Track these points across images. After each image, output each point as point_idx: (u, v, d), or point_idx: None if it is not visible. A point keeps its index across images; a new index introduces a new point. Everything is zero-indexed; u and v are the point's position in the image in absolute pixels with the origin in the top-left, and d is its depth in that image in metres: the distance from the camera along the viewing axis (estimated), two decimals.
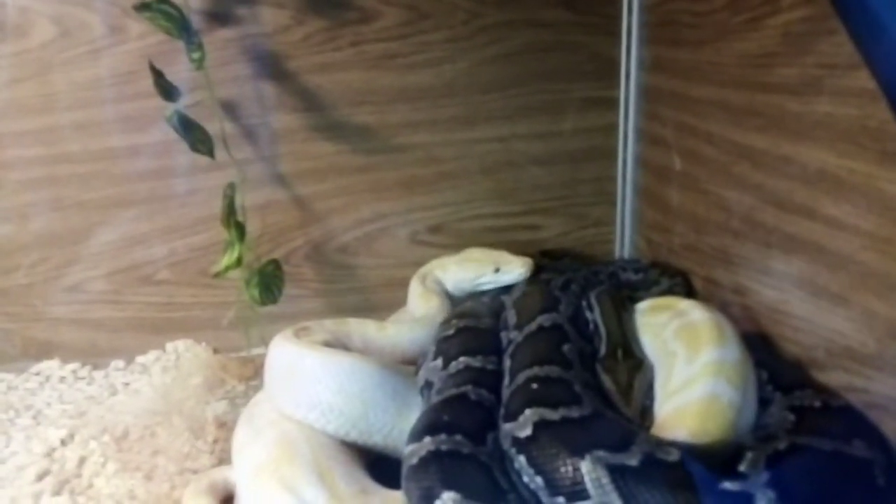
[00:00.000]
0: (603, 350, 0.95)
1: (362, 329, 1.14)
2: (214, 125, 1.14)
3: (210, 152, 1.12)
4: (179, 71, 1.12)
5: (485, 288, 1.19)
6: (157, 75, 1.08)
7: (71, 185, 1.22)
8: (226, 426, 1.08)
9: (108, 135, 1.21)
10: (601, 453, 0.69)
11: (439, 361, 0.96)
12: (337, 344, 1.08)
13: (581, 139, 1.38)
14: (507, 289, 1.18)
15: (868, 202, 0.79)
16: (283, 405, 0.95)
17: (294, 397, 0.94)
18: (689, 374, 0.84)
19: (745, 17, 0.99)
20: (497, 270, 1.19)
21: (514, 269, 1.18)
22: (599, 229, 1.42)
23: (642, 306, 1.00)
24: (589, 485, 0.68)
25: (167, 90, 1.09)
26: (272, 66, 1.22)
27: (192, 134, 1.10)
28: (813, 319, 0.89)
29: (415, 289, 1.21)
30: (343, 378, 0.93)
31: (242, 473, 0.91)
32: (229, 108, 1.22)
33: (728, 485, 0.66)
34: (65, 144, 1.20)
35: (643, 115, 1.33)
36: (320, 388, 0.92)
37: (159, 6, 1.02)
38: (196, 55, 1.05)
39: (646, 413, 0.86)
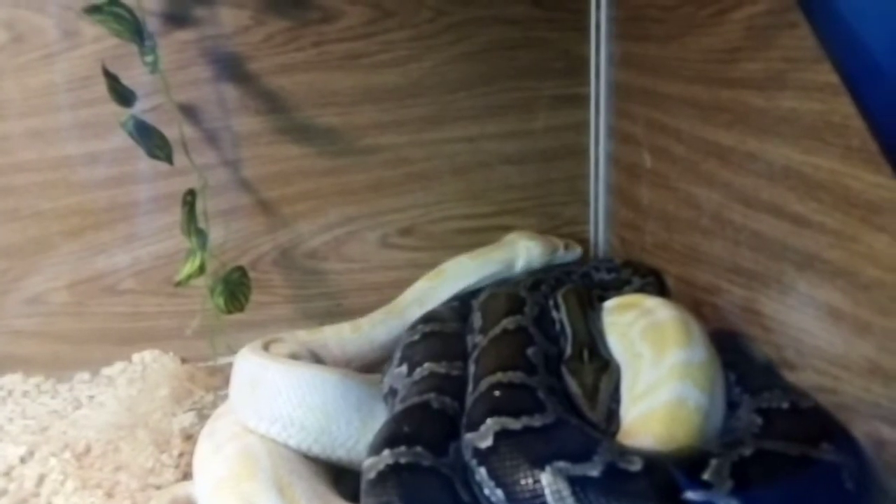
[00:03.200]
0: (568, 351, 0.93)
1: (337, 334, 1.12)
2: (174, 130, 1.11)
3: (168, 158, 1.09)
4: (137, 75, 1.09)
5: (556, 262, 1.24)
6: (112, 80, 1.05)
7: (28, 195, 1.19)
8: (192, 439, 1.06)
9: (65, 142, 1.18)
10: (562, 464, 0.68)
11: (404, 368, 0.94)
12: (309, 355, 1.07)
13: (552, 137, 1.36)
14: (475, 292, 1.16)
15: (833, 199, 0.77)
16: (246, 418, 0.93)
17: (256, 410, 0.92)
18: (655, 377, 0.82)
19: (710, 11, 0.97)
20: (566, 247, 1.26)
21: (576, 249, 1.28)
22: (573, 228, 1.40)
23: (609, 305, 0.99)
24: (549, 497, 0.66)
25: (123, 95, 1.06)
26: (233, 69, 1.20)
27: (150, 139, 1.07)
28: (782, 318, 0.87)
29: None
30: (304, 391, 0.90)
31: (203, 489, 0.89)
32: (189, 112, 1.19)
33: (691, 495, 0.65)
34: (20, 153, 1.17)
35: (614, 113, 1.31)
36: (281, 400, 0.91)
37: (110, 8, 0.99)
38: (149, 58, 1.02)
39: (612, 416, 0.84)
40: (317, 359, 1.08)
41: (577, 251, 1.28)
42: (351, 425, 0.90)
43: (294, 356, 1.03)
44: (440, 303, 1.15)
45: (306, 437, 0.89)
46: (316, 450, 0.89)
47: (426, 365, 0.92)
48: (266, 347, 1.02)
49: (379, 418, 0.90)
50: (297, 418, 0.89)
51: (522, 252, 1.23)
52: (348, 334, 1.12)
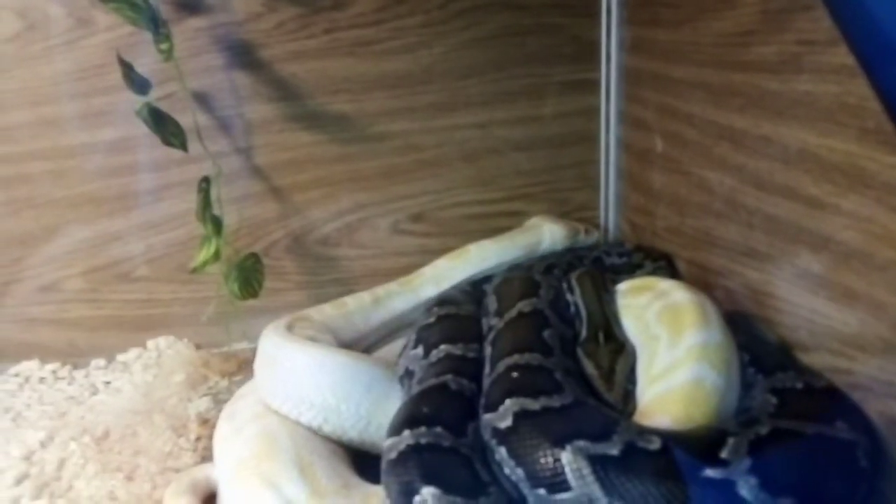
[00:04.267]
0: (584, 333, 0.93)
1: (359, 305, 1.15)
2: (187, 117, 1.12)
3: (183, 146, 1.10)
4: (150, 63, 1.09)
5: (578, 246, 1.27)
6: (126, 68, 1.05)
7: (43, 183, 1.20)
8: (208, 423, 1.07)
9: (78, 130, 1.18)
10: (582, 443, 0.68)
11: (420, 350, 0.95)
12: (332, 333, 1.09)
13: (562, 123, 1.36)
14: (488, 278, 1.17)
15: (848, 181, 0.78)
16: (265, 394, 0.96)
17: (273, 387, 0.96)
18: (672, 359, 0.83)
19: None
20: (586, 231, 1.29)
21: (594, 233, 1.31)
22: (583, 214, 1.40)
23: (622, 287, 0.99)
24: (570, 476, 0.67)
25: (137, 83, 1.06)
26: (245, 56, 1.20)
27: (164, 127, 1.07)
28: (795, 300, 0.88)
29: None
30: (315, 371, 0.92)
31: (224, 469, 0.90)
32: (202, 100, 1.19)
33: (710, 472, 0.65)
34: (35, 141, 1.18)
35: (625, 98, 1.31)
36: (294, 379, 0.93)
37: None
38: (164, 46, 1.02)
39: (628, 398, 0.85)
40: (340, 335, 1.10)
41: (594, 235, 1.31)
42: (361, 407, 0.91)
43: (316, 335, 1.05)
44: (457, 283, 1.17)
45: (316, 416, 0.91)
46: (327, 429, 0.91)
47: (442, 347, 0.92)
48: (290, 326, 1.04)
49: (393, 401, 0.91)
50: (308, 397, 0.91)
51: (547, 236, 1.25)
52: (369, 305, 1.15)
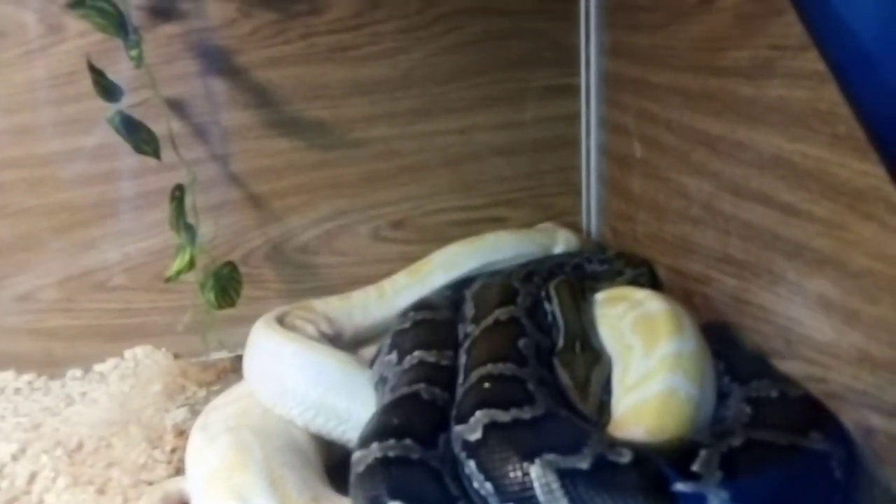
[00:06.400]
0: (561, 342, 0.92)
1: (364, 300, 1.16)
2: (162, 125, 1.10)
3: (156, 153, 1.09)
4: (123, 70, 1.08)
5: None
6: (98, 75, 1.04)
7: (15, 191, 1.18)
8: (184, 434, 1.05)
9: (51, 138, 1.17)
10: (551, 457, 0.67)
11: (394, 355, 0.94)
12: (326, 324, 1.11)
13: (543, 128, 1.35)
14: (467, 281, 1.16)
15: (821, 187, 0.77)
16: (249, 383, 1.00)
17: (255, 377, 1.00)
18: (646, 369, 0.82)
19: None
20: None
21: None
22: (565, 220, 1.39)
23: (600, 297, 0.98)
24: (538, 490, 0.66)
25: (109, 90, 1.05)
26: (220, 62, 1.19)
27: (136, 135, 1.06)
28: (771, 308, 0.87)
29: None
30: (290, 365, 0.96)
31: (195, 481, 0.89)
32: (177, 107, 1.18)
33: (680, 486, 0.65)
34: (6, 149, 1.16)
35: (605, 103, 1.30)
36: (272, 372, 0.97)
37: (93, 3, 0.98)
38: (134, 52, 1.01)
39: (603, 408, 0.84)
40: (336, 327, 1.12)
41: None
42: (339, 403, 0.93)
43: (312, 326, 1.08)
44: (466, 272, 1.16)
45: (295, 407, 0.94)
46: (301, 422, 0.93)
47: (416, 353, 0.91)
48: (282, 318, 1.06)
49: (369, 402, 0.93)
50: (290, 390, 0.94)
51: (562, 240, 1.26)
52: (374, 300, 1.15)
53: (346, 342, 1.13)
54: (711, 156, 0.97)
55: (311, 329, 1.08)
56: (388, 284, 1.18)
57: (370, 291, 1.17)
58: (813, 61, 0.74)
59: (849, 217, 0.73)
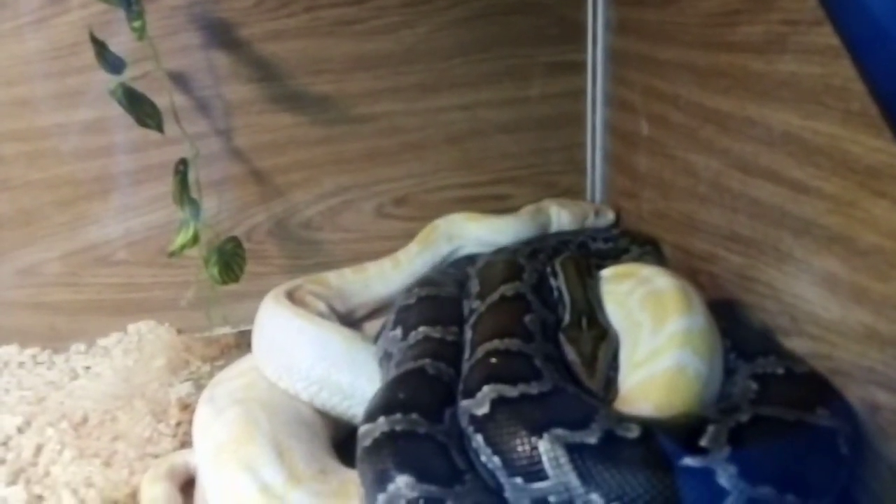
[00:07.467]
0: (567, 319, 0.92)
1: (380, 272, 1.18)
2: (164, 98, 1.09)
3: (159, 127, 1.08)
4: (125, 42, 1.07)
5: (587, 225, 1.26)
6: (100, 46, 1.03)
7: (18, 165, 1.18)
8: (189, 408, 1.06)
9: (53, 111, 1.16)
10: (560, 431, 0.67)
11: (398, 331, 0.94)
12: (338, 299, 1.13)
13: (548, 105, 1.34)
14: (472, 258, 1.15)
15: (832, 164, 0.76)
16: (255, 355, 1.01)
17: (261, 350, 1.00)
18: (654, 345, 0.82)
19: None
20: (597, 213, 1.27)
21: (607, 214, 1.27)
22: (570, 197, 1.38)
23: (606, 273, 0.98)
24: (547, 464, 0.66)
25: (111, 62, 1.04)
26: (223, 35, 1.17)
27: (139, 108, 1.05)
28: (778, 285, 0.87)
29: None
30: (296, 341, 0.96)
31: (203, 453, 0.89)
32: (180, 80, 1.17)
33: (689, 460, 0.65)
34: (8, 122, 1.15)
35: (611, 80, 1.29)
36: (277, 346, 0.97)
37: None
38: (136, 24, 1.00)
39: (610, 385, 0.84)
40: (350, 302, 1.14)
41: (608, 216, 1.28)
42: (342, 379, 0.93)
43: (322, 301, 1.09)
44: (470, 246, 1.18)
45: (300, 382, 0.94)
46: (306, 397, 0.94)
47: (421, 329, 0.91)
48: (291, 292, 1.07)
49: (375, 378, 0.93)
50: (295, 365, 0.95)
51: (554, 218, 1.24)
52: (390, 269, 1.17)
53: (361, 315, 1.15)
54: (720, 133, 0.96)
55: (321, 305, 1.08)
56: (401, 255, 1.20)
57: (385, 263, 1.19)
58: (826, 36, 0.73)
59: (860, 194, 0.73)
